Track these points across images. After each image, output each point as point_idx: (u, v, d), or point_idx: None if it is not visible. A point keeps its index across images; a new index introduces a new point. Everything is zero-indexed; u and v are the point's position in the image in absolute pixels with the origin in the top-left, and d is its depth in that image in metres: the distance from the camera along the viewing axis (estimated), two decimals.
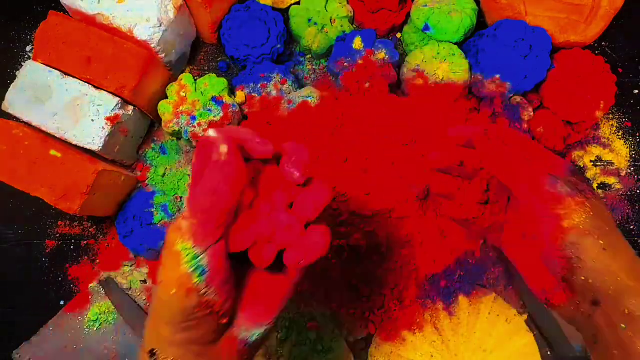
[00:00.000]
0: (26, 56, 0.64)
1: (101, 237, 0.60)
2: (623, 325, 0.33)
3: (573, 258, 0.34)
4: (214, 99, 0.56)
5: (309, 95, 0.57)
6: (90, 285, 0.59)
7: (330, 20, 0.60)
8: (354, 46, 0.57)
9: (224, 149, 0.30)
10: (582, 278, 0.34)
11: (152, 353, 0.32)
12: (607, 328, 0.34)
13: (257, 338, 0.34)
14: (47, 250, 0.60)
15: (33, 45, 0.61)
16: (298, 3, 0.61)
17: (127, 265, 0.60)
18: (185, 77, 0.57)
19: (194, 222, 0.30)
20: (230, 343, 0.33)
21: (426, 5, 0.58)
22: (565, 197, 0.35)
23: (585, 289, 0.34)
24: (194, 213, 0.30)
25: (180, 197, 0.59)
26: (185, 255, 0.30)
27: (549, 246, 0.36)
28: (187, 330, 0.31)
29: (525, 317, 0.57)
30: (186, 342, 0.31)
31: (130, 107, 0.56)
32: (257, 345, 0.35)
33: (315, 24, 0.59)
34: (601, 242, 0.34)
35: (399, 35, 0.64)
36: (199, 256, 0.30)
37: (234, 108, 0.57)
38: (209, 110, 0.55)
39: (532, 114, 0.59)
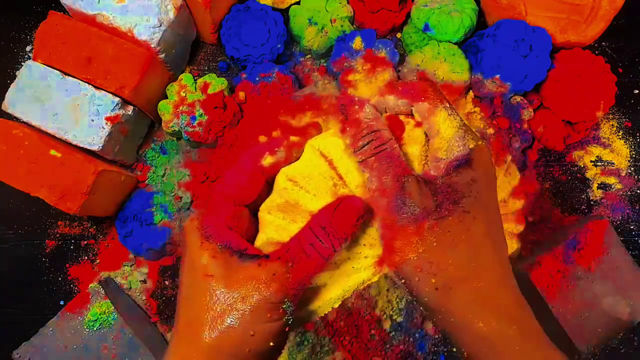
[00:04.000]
0: (26, 56, 0.64)
1: (101, 237, 0.60)
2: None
3: (407, 291, 0.34)
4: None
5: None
6: (90, 285, 0.59)
7: (330, 20, 0.60)
8: (354, 46, 0.57)
9: None
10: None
11: None
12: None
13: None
14: (47, 250, 0.60)
15: (33, 45, 0.61)
16: (298, 3, 0.61)
17: (127, 265, 0.60)
18: (185, 77, 0.57)
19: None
20: None
21: (426, 5, 0.58)
22: (406, 227, 0.32)
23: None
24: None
25: (180, 197, 0.59)
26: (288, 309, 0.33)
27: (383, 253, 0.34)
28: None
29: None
30: None
31: (130, 107, 0.56)
32: None
33: (315, 24, 0.59)
34: (433, 280, 0.32)
35: (399, 35, 0.64)
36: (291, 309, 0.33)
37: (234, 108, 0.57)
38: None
39: (532, 114, 0.59)
